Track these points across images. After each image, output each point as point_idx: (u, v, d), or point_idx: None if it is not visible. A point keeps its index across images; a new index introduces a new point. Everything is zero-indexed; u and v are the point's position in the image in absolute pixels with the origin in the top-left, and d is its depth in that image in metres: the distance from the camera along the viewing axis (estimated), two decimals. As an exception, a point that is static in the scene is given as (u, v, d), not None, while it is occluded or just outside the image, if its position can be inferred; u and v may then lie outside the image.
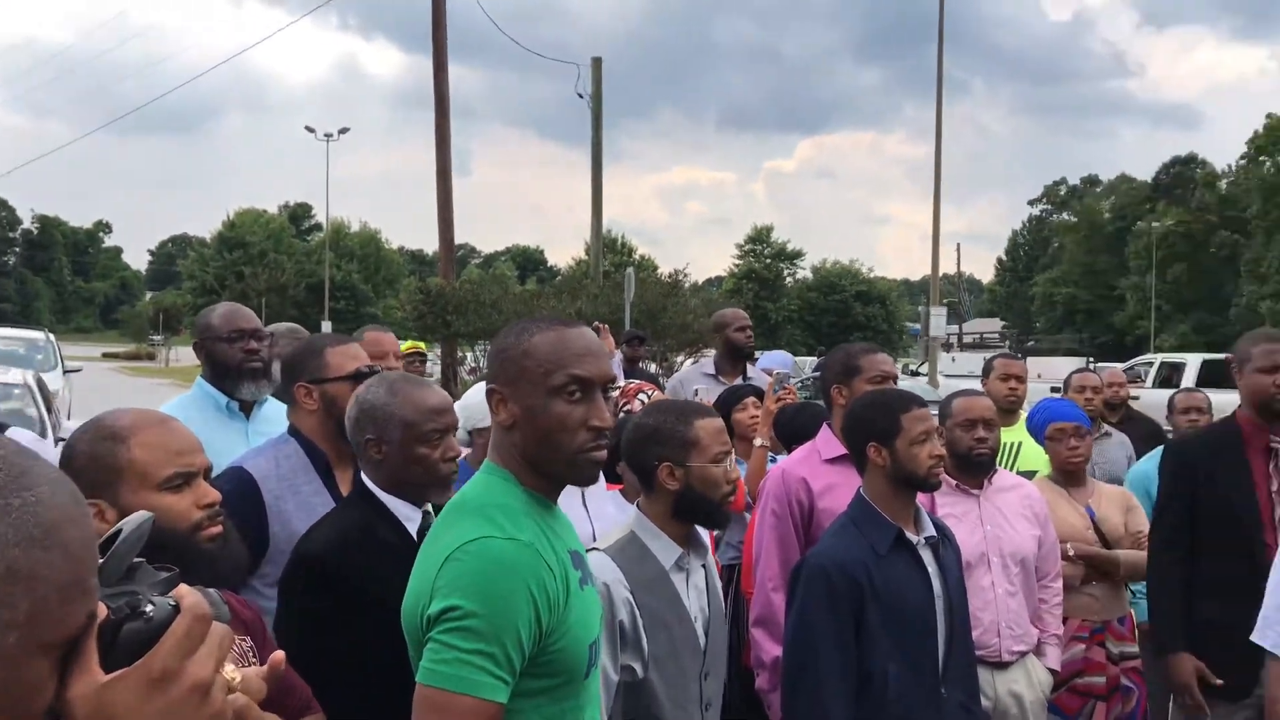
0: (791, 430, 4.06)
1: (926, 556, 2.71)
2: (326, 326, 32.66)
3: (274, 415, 3.13)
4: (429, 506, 2.26)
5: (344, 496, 2.48)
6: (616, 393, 3.77)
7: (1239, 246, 52.98)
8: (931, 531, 2.74)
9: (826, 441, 3.29)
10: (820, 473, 3.20)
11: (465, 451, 3.51)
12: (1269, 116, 49.81)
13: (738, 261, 53.96)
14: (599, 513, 3.10)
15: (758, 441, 4.20)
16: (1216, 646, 3.30)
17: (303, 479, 2.58)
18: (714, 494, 2.42)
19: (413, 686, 1.60)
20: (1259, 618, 2.51)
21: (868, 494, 2.73)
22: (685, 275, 23.22)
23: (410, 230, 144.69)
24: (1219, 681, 3.33)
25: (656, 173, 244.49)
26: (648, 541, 2.40)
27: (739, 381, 5.64)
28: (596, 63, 22.31)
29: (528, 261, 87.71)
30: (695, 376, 5.83)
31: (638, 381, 4.40)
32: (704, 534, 2.70)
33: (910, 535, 2.69)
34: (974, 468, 3.44)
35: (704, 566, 2.52)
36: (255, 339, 3.21)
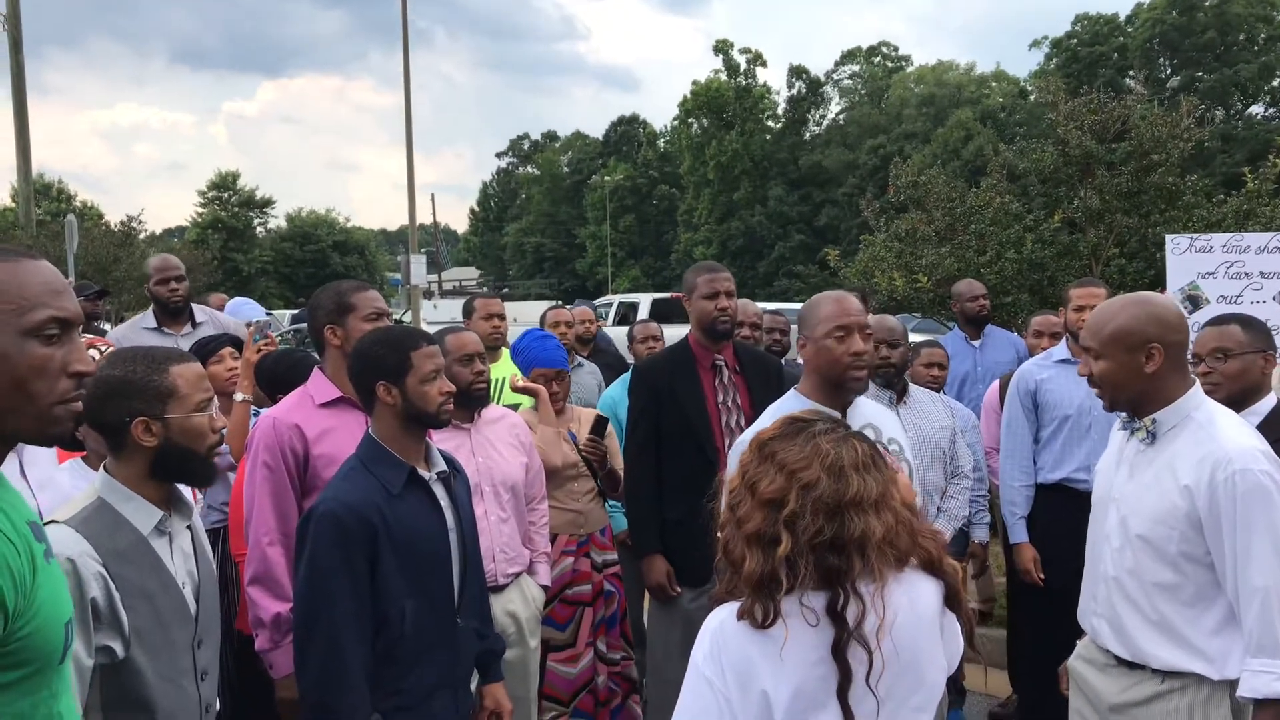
0: (274, 379, 3.84)
1: (439, 491, 2.71)
2: None
3: None
4: None
5: None
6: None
7: (675, 199, 60.02)
8: (443, 466, 2.74)
9: (319, 385, 3.15)
10: (314, 418, 3.07)
11: None
12: (694, 83, 56.68)
13: (201, 210, 49.83)
14: (46, 483, 2.72)
15: (238, 396, 3.92)
16: (682, 541, 3.74)
17: None
18: (199, 446, 2.20)
19: None
20: None
21: (377, 434, 2.66)
22: (140, 224, 21.12)
23: None
24: (677, 591, 3.79)
25: (96, 110, 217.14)
26: (120, 506, 2.12)
27: (187, 332, 5.26)
28: (12, -24, 19.14)
29: (-70, 210, 73.66)
30: (135, 332, 5.31)
31: (89, 337, 3.90)
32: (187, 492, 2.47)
33: (423, 472, 2.66)
34: (471, 401, 3.51)
35: (190, 528, 2.29)
36: None
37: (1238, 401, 3.05)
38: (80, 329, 1.53)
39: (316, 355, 3.42)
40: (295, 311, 23.31)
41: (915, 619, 1.76)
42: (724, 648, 1.72)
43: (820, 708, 1.69)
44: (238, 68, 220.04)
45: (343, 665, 2.44)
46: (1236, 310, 4.79)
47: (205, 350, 4.17)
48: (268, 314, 5.59)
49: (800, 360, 3.04)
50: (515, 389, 4.16)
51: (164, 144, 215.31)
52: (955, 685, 4.52)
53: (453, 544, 2.70)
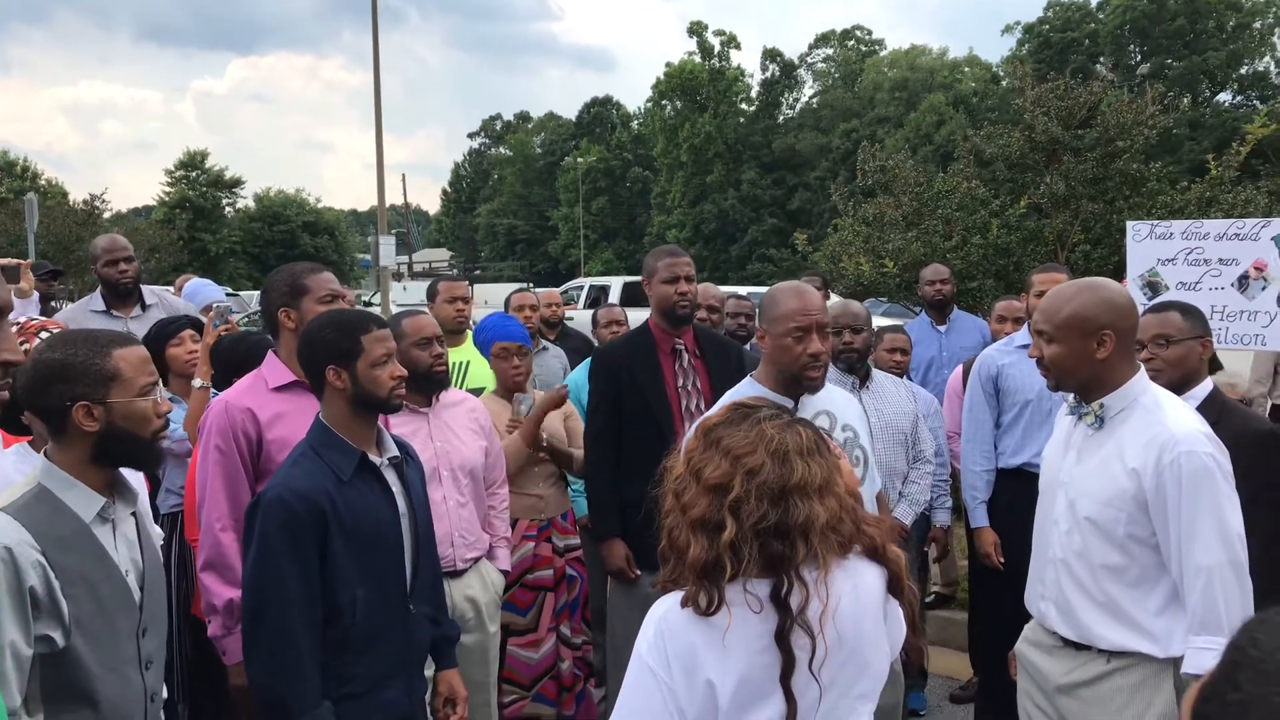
0: (231, 362, 3.79)
1: (391, 477, 2.66)
2: None
3: None
4: None
5: None
6: (16, 328, 3.24)
7: (649, 181, 59.90)
8: (395, 451, 2.70)
9: (273, 369, 3.11)
10: (268, 402, 3.02)
11: None
12: (668, 65, 56.47)
13: (169, 189, 49.03)
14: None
15: (196, 382, 3.86)
16: (640, 525, 3.73)
17: None
18: (143, 431, 2.15)
19: None
20: None
21: (327, 419, 2.61)
22: (104, 203, 20.85)
23: None
24: (637, 574, 3.78)
25: (61, 87, 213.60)
26: (61, 493, 2.08)
27: (136, 314, 5.17)
28: (-29, -52, 18.70)
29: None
30: (82, 315, 5.19)
31: (39, 319, 3.83)
32: (136, 479, 2.43)
33: (374, 458, 2.62)
34: (431, 384, 3.48)
35: (135, 514, 2.25)
36: None
37: (1177, 386, 3.10)
38: (7, 317, 1.48)
39: (271, 338, 3.37)
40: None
41: (859, 606, 1.76)
42: (668, 637, 1.71)
43: (765, 697, 1.69)
44: (207, 45, 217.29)
45: (293, 653, 2.41)
46: (1197, 298, 4.84)
47: (165, 332, 4.10)
48: (229, 294, 5.49)
49: None
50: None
51: (131, 122, 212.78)
52: (917, 668, 4.55)
53: (405, 530, 2.66)
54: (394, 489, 2.66)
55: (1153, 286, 5.22)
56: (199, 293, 5.87)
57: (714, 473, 1.71)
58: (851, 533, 1.76)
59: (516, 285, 23.76)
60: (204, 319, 4.13)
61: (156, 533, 3.17)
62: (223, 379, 3.82)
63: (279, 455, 2.88)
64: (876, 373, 4.43)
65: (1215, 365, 5.56)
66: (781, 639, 1.67)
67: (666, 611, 1.74)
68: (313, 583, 2.46)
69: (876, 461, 3.23)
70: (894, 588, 1.81)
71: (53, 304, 6.97)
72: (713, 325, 5.01)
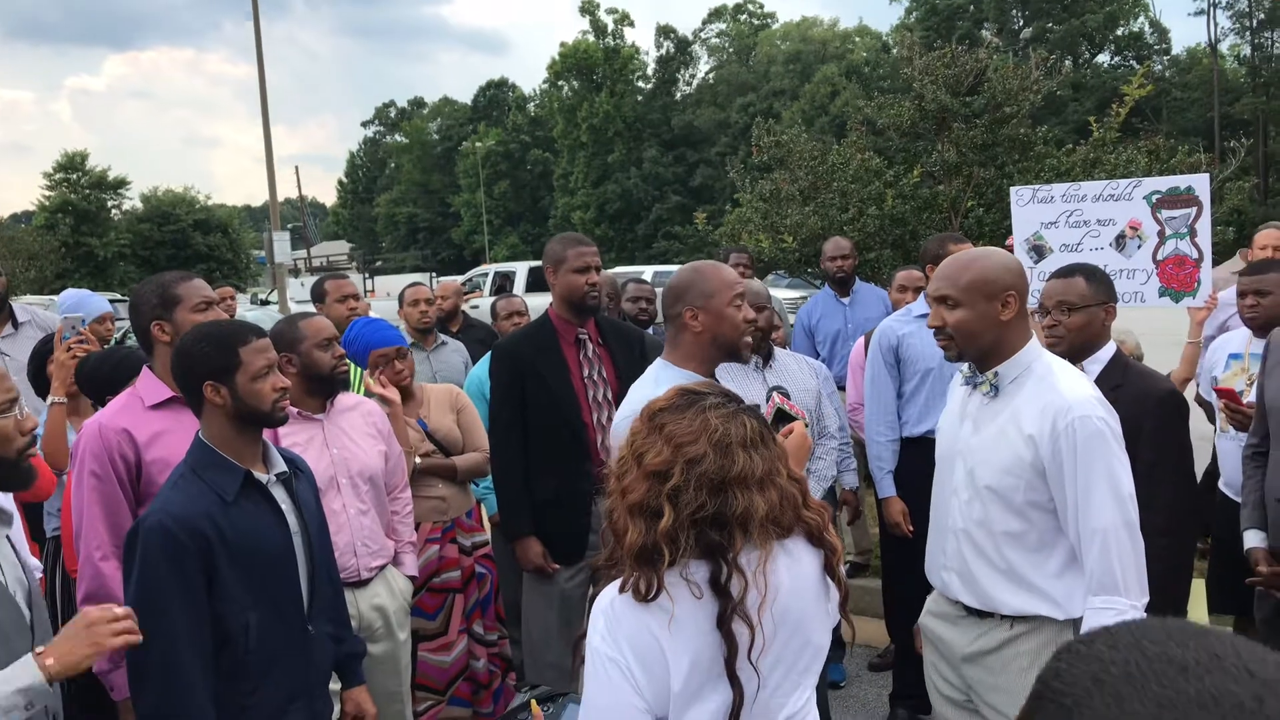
0: (99, 381, 3.59)
1: (279, 494, 2.54)
2: None
3: None
4: None
5: None
6: None
7: (550, 163, 59.44)
8: (282, 467, 2.57)
9: (149, 385, 2.95)
10: (145, 421, 2.87)
11: None
12: (562, 45, 56.01)
13: (48, 193, 46.88)
14: None
15: (50, 399, 3.68)
16: (554, 519, 3.68)
17: None
18: (5, 451, 2.04)
19: None
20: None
21: (207, 437, 2.48)
22: (-24, 211, 19.78)
23: None
24: (555, 568, 3.71)
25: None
26: None
27: (8, 333, 4.97)
28: None
29: None
30: None
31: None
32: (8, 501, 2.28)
33: (260, 475, 2.50)
34: (333, 387, 3.39)
35: (9, 538, 2.11)
36: None
37: (1078, 351, 3.13)
38: None
39: (144, 353, 3.21)
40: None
41: (800, 585, 1.78)
42: (618, 623, 1.70)
43: (719, 677, 1.70)
44: (81, 41, 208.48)
45: (182, 686, 2.29)
46: (1079, 258, 4.94)
47: (48, 348, 3.98)
48: (113, 300, 5.24)
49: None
50: (371, 391, 3.94)
51: (3, 124, 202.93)
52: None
53: (298, 548, 2.54)
54: (283, 506, 2.54)
55: (1038, 250, 5.32)
56: (82, 304, 5.59)
57: (655, 459, 1.70)
58: (792, 520, 1.77)
59: (420, 279, 23.35)
60: (81, 332, 3.94)
61: (34, 564, 3.01)
62: (94, 400, 3.63)
63: (160, 476, 2.74)
64: (779, 351, 4.42)
65: None
66: (723, 624, 1.67)
67: (612, 600, 1.73)
68: (200, 610, 2.33)
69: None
70: (829, 570, 1.83)
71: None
72: (610, 313, 4.94)
